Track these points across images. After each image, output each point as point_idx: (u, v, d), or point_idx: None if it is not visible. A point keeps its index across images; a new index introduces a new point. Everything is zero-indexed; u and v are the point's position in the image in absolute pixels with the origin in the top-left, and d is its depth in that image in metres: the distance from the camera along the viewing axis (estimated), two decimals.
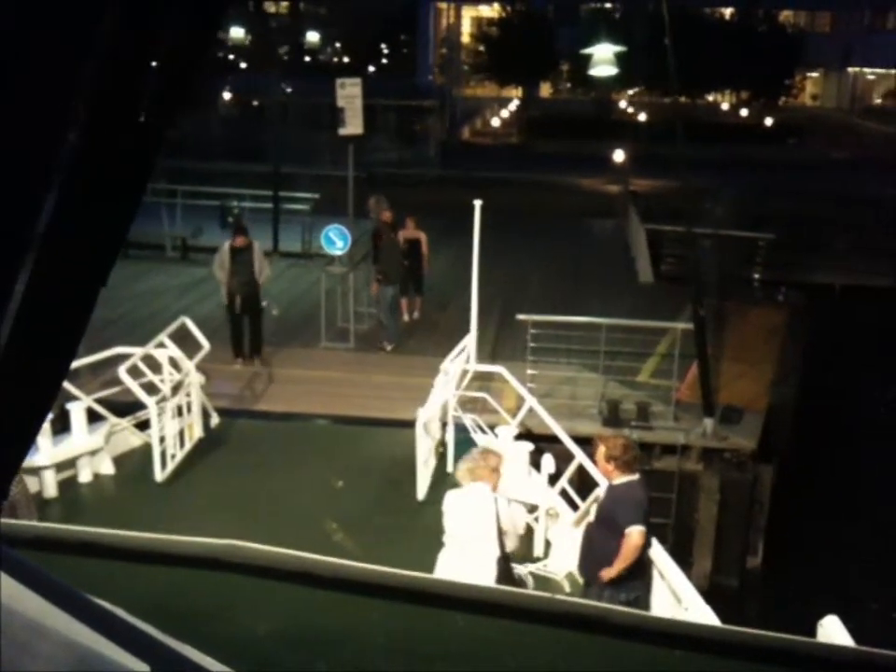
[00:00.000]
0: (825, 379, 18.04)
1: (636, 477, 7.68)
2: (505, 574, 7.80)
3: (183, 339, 12.53)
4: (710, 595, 12.08)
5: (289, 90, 40.61)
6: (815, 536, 14.06)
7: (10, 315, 0.83)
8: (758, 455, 12.89)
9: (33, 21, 0.72)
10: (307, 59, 79.87)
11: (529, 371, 13.56)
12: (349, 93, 16.66)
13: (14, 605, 1.07)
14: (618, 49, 14.38)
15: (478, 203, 12.24)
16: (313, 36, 77.44)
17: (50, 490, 10.87)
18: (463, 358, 12.60)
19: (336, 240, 15.36)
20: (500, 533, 7.71)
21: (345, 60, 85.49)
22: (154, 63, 0.82)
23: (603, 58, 14.24)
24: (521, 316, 14.02)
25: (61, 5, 0.73)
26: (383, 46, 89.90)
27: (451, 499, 7.99)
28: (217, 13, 0.87)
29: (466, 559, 7.68)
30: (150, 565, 1.84)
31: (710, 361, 13.04)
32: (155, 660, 1.14)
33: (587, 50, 14.89)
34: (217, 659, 1.37)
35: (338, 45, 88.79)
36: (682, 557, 12.51)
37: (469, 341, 12.87)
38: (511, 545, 7.88)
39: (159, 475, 11.16)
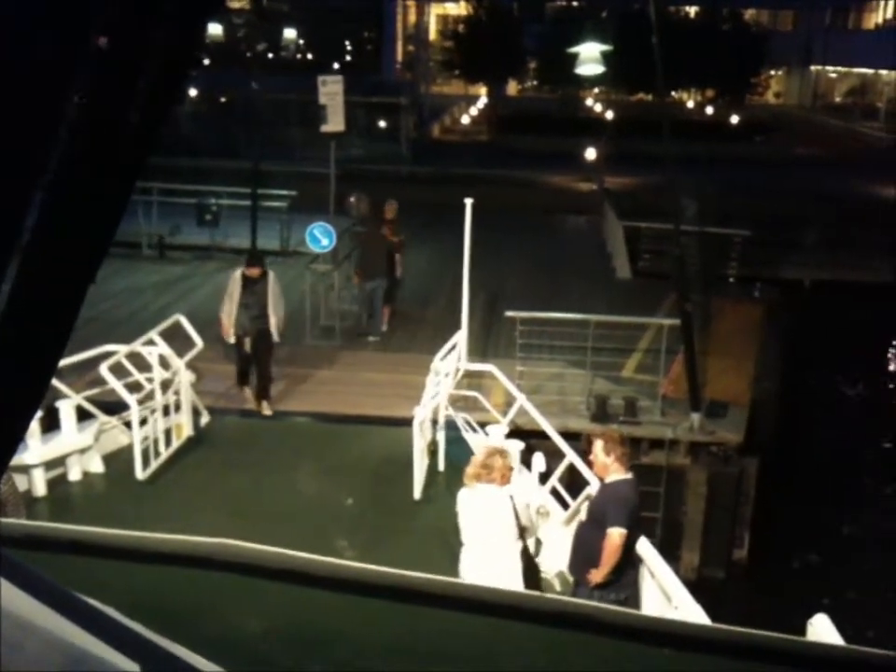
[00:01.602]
0: (803, 373, 18.29)
1: (629, 476, 7.66)
2: (530, 570, 7.84)
3: (170, 336, 12.49)
4: (698, 586, 12.28)
5: (255, 86, 40.32)
6: (798, 528, 14.27)
7: None
8: (744, 449, 13.07)
9: (26, 21, 0.72)
10: (270, 55, 79.39)
11: (518, 368, 13.62)
12: (331, 90, 16.67)
13: (3, 603, 1.06)
14: (605, 47, 14.45)
15: (468, 202, 12.22)
16: (289, 33, 76.95)
17: (39, 488, 10.84)
18: (453, 356, 12.59)
19: (321, 237, 15.35)
20: (522, 530, 7.78)
21: (308, 57, 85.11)
22: (146, 62, 0.81)
23: (590, 56, 14.31)
24: (509, 313, 14.06)
25: (55, 5, 0.73)
26: (346, 43, 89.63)
27: (463, 499, 7.99)
28: (209, 12, 0.87)
29: (490, 560, 7.72)
30: (140, 563, 1.82)
31: (694, 357, 13.17)
32: (145, 659, 1.14)
33: (573, 49, 14.96)
34: (208, 658, 1.37)
35: (300, 42, 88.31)
36: (670, 550, 12.67)
37: (460, 338, 12.83)
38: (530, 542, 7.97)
39: (140, 473, 11.13)
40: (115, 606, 1.25)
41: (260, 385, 13.41)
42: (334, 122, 16.74)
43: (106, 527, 1.88)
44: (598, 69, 14.47)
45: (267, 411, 13.37)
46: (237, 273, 13.10)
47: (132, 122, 0.82)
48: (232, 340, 13.17)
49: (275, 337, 13.03)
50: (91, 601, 1.21)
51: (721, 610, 10.51)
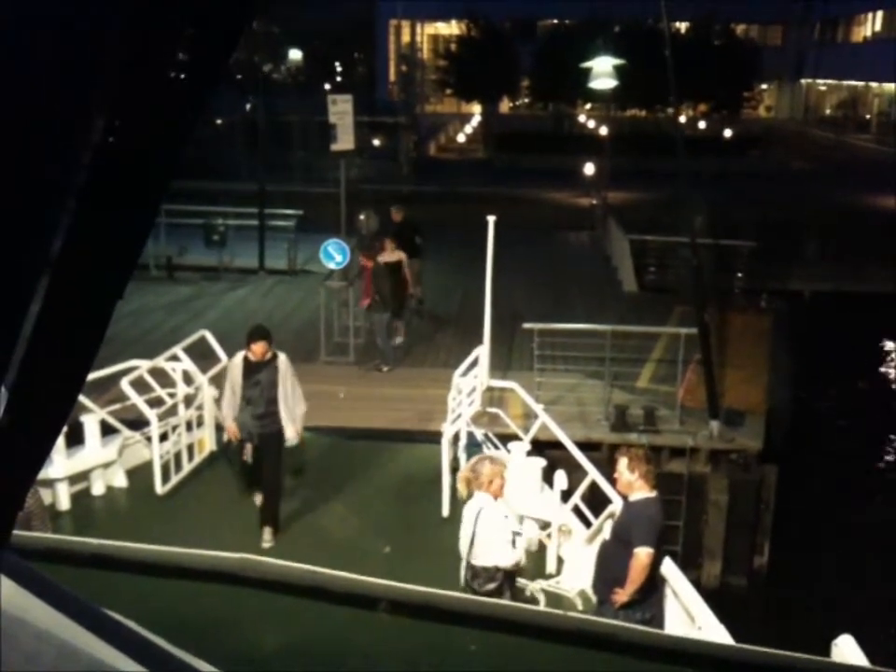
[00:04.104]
0: (812, 381, 18.40)
1: (653, 494, 7.56)
2: (469, 588, 7.65)
3: (193, 352, 12.53)
4: (720, 594, 12.37)
5: (248, 107, 40.54)
6: (817, 535, 14.35)
7: (29, 328, 0.83)
8: (763, 456, 13.17)
9: (52, 45, 0.72)
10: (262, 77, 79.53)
11: (537, 379, 13.71)
12: (340, 109, 16.78)
13: (24, 614, 1.07)
14: (617, 61, 14.61)
15: (491, 219, 12.25)
16: (294, 54, 77.14)
17: (64, 502, 10.92)
18: (475, 372, 12.52)
19: (335, 254, 15.44)
20: (471, 544, 7.65)
21: (300, 78, 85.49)
22: (170, 83, 0.82)
23: (602, 71, 14.46)
24: (527, 325, 14.21)
25: (81, 27, 0.74)
26: (336, 64, 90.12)
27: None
28: (234, 35, 0.85)
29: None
30: (163, 578, 1.84)
31: (712, 366, 13.28)
32: None
33: (586, 64, 15.11)
34: None
35: (292, 63, 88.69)
36: (692, 558, 12.76)
37: (481, 354, 12.69)
38: (489, 559, 7.69)
39: (159, 488, 11.17)
40: (136, 619, 1.25)
41: (265, 505, 10.44)
42: (344, 141, 16.85)
43: (129, 541, 1.90)
44: (611, 83, 14.62)
45: (267, 541, 10.22)
46: (237, 358, 10.28)
47: (156, 142, 0.83)
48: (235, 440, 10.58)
49: (290, 439, 10.29)
50: (112, 614, 1.22)
51: (744, 619, 10.60)
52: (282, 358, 10.22)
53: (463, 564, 7.82)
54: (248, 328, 10.47)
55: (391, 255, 16.64)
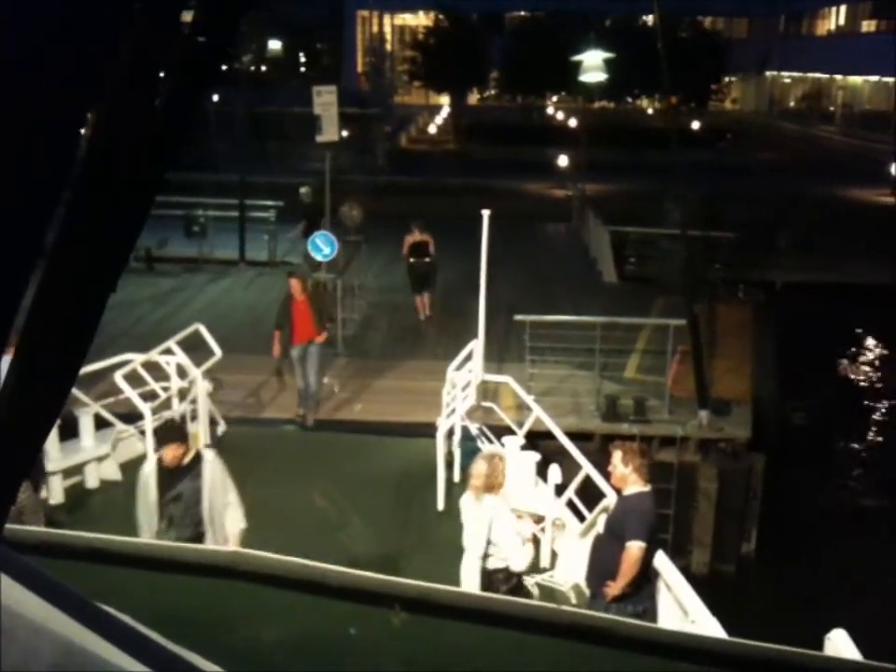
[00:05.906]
0: (792, 369, 18.61)
1: (647, 488, 7.58)
2: (488, 589, 7.60)
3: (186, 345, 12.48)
4: (709, 581, 12.52)
5: (216, 98, 40.21)
6: (802, 522, 14.55)
7: (21, 320, 0.84)
8: (751, 445, 13.35)
9: (47, 37, 0.73)
10: (224, 68, 78.78)
11: (529, 371, 13.79)
12: (325, 101, 16.69)
13: (19, 608, 1.07)
14: (607, 55, 14.69)
15: (486, 213, 12.29)
16: (274, 44, 76.22)
17: (57, 496, 10.89)
18: (469, 366, 12.55)
19: (323, 246, 15.35)
20: (488, 545, 7.65)
21: (263, 69, 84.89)
22: (166, 76, 0.82)
23: (592, 64, 14.52)
24: (518, 317, 14.28)
25: (76, 22, 0.74)
26: (300, 55, 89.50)
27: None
28: (232, 27, 0.86)
29: (462, 569, 7.80)
30: (156, 572, 1.84)
31: (702, 356, 13.43)
32: (159, 666, 1.14)
33: (577, 57, 15.16)
34: (222, 666, 1.39)
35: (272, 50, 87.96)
36: (682, 545, 12.91)
37: (476, 349, 12.75)
38: (504, 560, 7.72)
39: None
40: (130, 613, 1.26)
41: None
42: (329, 132, 16.78)
43: (123, 535, 1.93)
44: (601, 76, 14.70)
45: None
46: (148, 467, 7.93)
47: (151, 135, 0.83)
48: None
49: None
50: (107, 608, 1.22)
51: (731, 605, 10.74)
52: (208, 460, 7.73)
53: (477, 567, 7.76)
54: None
55: (420, 236, 18.37)
